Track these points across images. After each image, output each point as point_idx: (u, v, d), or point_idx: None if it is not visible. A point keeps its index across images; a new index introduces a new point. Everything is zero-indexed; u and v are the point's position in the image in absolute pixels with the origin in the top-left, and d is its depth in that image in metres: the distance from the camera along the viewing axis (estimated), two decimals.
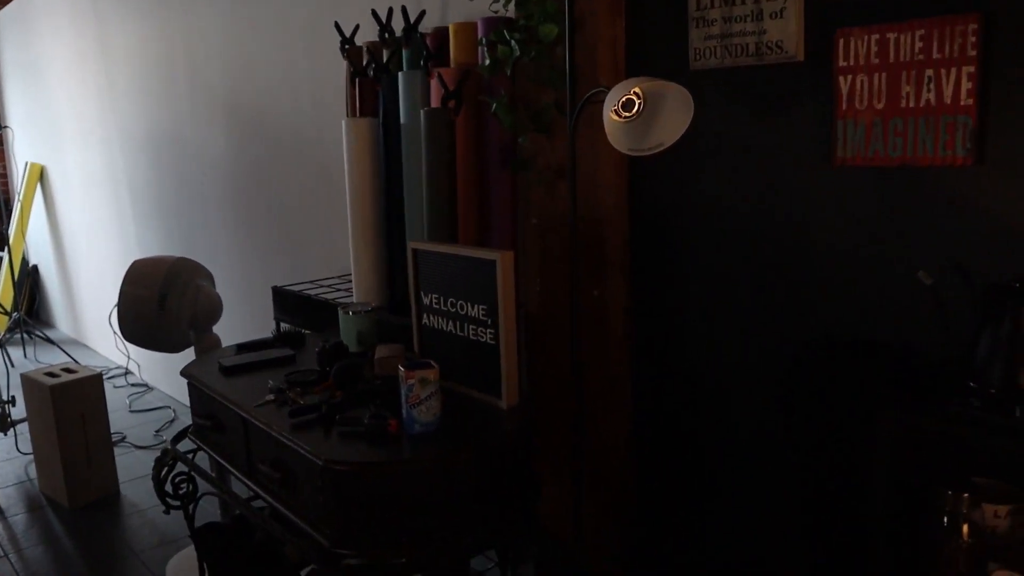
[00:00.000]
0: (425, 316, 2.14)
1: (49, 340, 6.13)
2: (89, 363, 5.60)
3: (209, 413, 2.26)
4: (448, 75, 2.31)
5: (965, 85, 1.69)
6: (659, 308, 2.30)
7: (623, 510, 2.43)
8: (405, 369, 1.82)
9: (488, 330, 1.95)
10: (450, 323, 2.06)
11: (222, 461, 2.21)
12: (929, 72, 1.73)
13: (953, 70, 1.70)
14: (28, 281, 7.04)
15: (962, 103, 1.70)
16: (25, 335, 6.33)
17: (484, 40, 2.30)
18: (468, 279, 1.97)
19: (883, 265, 1.87)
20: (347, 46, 2.75)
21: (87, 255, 6.16)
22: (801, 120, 1.95)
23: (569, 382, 2.21)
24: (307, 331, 2.74)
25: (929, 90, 1.74)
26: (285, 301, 2.95)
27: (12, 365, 5.35)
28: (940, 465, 1.78)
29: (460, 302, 2.01)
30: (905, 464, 1.69)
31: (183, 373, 2.35)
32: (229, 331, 3.81)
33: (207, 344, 3.03)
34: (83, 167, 5.95)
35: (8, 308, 6.41)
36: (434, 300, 2.09)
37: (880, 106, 1.81)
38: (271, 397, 2.07)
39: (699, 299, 2.21)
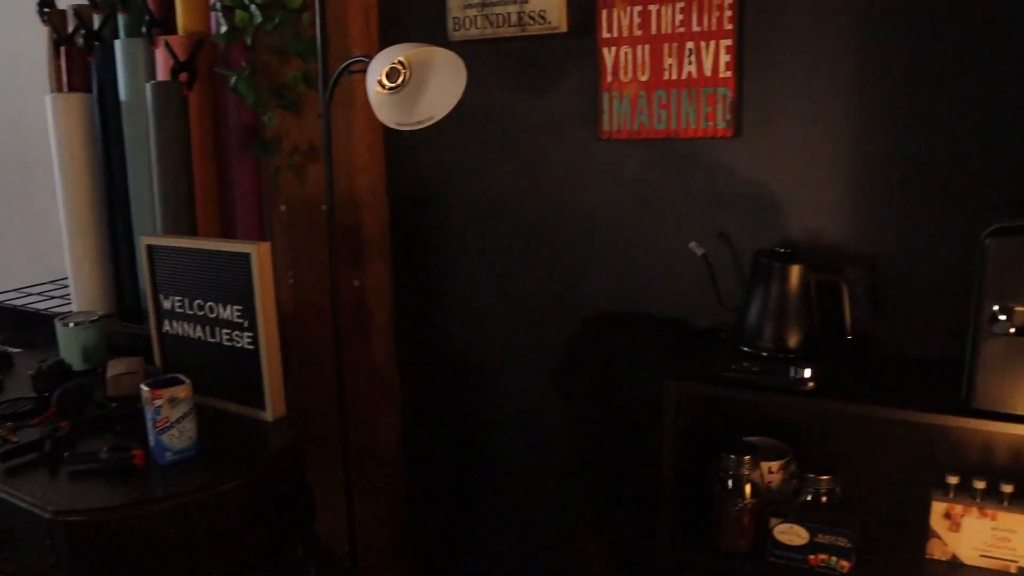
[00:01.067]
0: (167, 322, 1.84)
1: None
2: None
3: None
4: (178, 44, 2.01)
5: (724, 58, 1.72)
6: (423, 293, 2.18)
7: (397, 511, 2.29)
8: (149, 388, 1.54)
9: (245, 334, 1.71)
10: (199, 328, 1.79)
11: None
12: (690, 45, 1.74)
13: (712, 43, 1.72)
14: None
15: (721, 76, 1.73)
16: None
17: (219, 5, 2.02)
18: (218, 277, 1.71)
19: (656, 237, 1.87)
20: (47, 9, 2.32)
21: None
22: (567, 93, 1.90)
23: (333, 383, 2.02)
24: (15, 350, 2.29)
25: (691, 63, 1.75)
26: None
27: None
28: (722, 429, 1.83)
29: (209, 303, 1.75)
30: (690, 431, 1.71)
31: None
32: None
33: None
34: None
35: None
36: (176, 303, 1.81)
37: (644, 78, 1.80)
38: None
39: (466, 281, 2.11)
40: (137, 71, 2.09)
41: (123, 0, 2.14)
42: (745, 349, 1.65)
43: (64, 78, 2.25)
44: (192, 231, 2.09)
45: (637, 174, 1.86)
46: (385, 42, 2.06)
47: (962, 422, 1.44)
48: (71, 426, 1.69)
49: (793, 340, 1.63)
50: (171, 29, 2.13)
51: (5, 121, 2.87)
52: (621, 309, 1.94)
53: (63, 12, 2.31)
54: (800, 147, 1.71)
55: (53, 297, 2.48)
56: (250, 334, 1.70)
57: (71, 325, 1.99)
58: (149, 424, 1.55)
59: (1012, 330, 1.38)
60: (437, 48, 1.61)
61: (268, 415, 1.73)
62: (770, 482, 1.75)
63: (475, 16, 1.92)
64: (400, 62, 1.60)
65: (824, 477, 1.70)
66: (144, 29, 2.08)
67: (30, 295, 2.52)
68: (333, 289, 1.93)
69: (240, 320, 1.71)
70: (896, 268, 1.69)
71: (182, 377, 1.57)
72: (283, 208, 2.17)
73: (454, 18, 1.95)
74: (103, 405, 1.79)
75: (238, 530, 1.57)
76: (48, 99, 2.15)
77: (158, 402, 1.53)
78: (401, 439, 2.28)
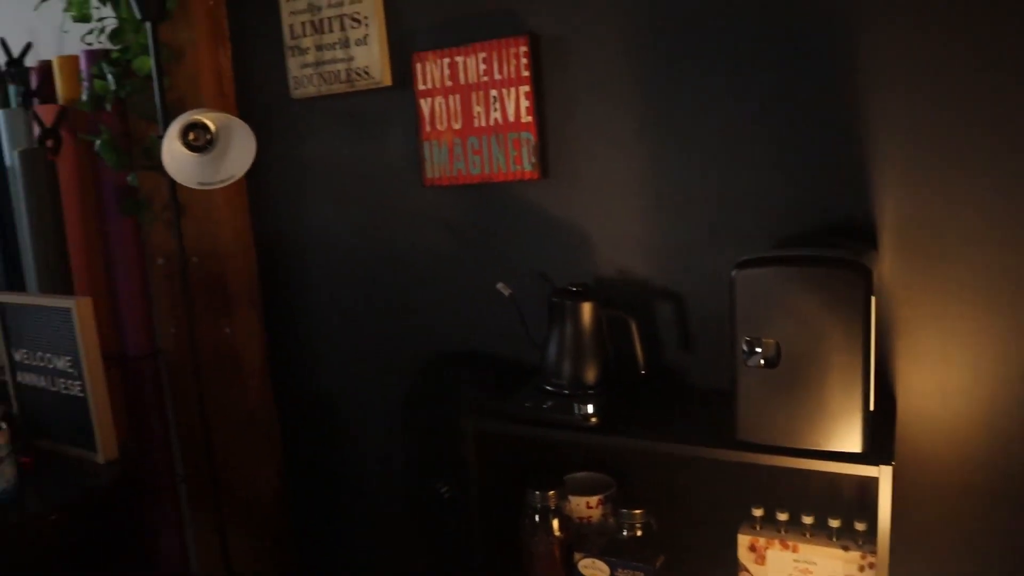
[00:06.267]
0: (19, 374, 1.96)
1: None
2: None
3: None
4: (44, 112, 2.16)
5: (524, 103, 1.79)
6: (293, 338, 2.26)
7: (280, 544, 2.35)
8: None
9: (75, 382, 1.81)
10: (41, 378, 1.90)
11: None
12: (494, 93, 1.82)
13: (513, 90, 1.79)
14: None
15: (523, 121, 1.79)
16: None
17: (83, 75, 2.17)
18: (51, 330, 1.82)
19: (476, 278, 1.93)
20: None
21: None
22: (394, 143, 1.98)
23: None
24: None
25: (496, 109, 1.82)
26: None
27: None
28: (542, 464, 1.86)
29: (47, 355, 1.86)
30: (502, 465, 1.75)
31: None
32: None
33: None
34: None
35: None
36: (25, 356, 1.92)
37: (458, 126, 1.87)
38: None
39: (326, 324, 2.19)
40: (18, 138, 2.23)
41: (10, 72, 2.30)
42: (547, 387, 1.70)
43: None
44: (67, 287, 2.21)
45: (458, 218, 1.93)
46: (240, 103, 2.18)
47: (728, 455, 1.45)
48: None
49: (589, 376, 1.67)
50: (53, 98, 2.29)
51: None
52: (457, 349, 2.00)
53: None
54: (604, 187, 1.76)
55: None
56: (79, 383, 1.80)
57: None
58: None
59: (762, 362, 1.40)
60: (230, 116, 1.71)
61: (100, 457, 1.82)
62: (589, 517, 1.77)
63: (311, 75, 2.03)
64: (205, 125, 1.71)
65: (636, 511, 1.71)
66: (22, 99, 2.23)
67: None
68: (190, 337, 2.03)
69: (71, 370, 1.81)
70: (702, 302, 1.72)
71: (1, 423, 1.67)
72: (160, 262, 2.28)
73: (293, 77, 2.05)
74: None
75: (54, 564, 1.66)
76: None
77: None
78: (282, 475, 2.35)
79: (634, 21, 1.67)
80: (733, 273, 1.41)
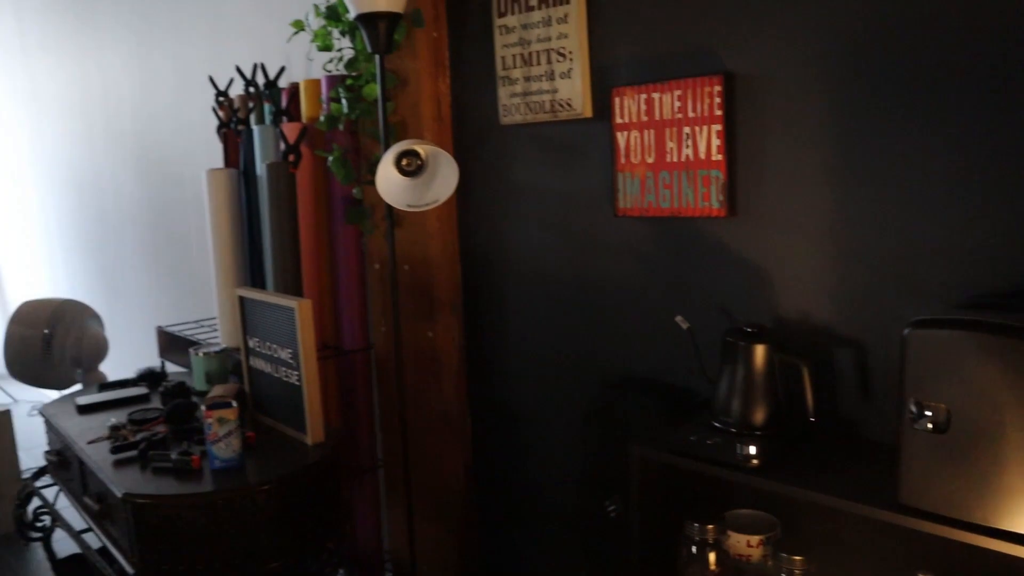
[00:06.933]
0: (251, 358, 2.26)
1: None
2: (24, 398, 5.72)
3: (58, 449, 2.38)
4: (288, 129, 2.45)
5: (715, 142, 1.82)
6: (488, 346, 2.42)
7: (462, 534, 2.53)
8: (205, 408, 1.94)
9: (294, 372, 2.06)
10: (268, 365, 2.18)
11: (66, 493, 2.33)
12: (687, 129, 1.86)
13: (705, 128, 1.83)
14: None
15: (714, 158, 1.83)
16: None
17: (323, 97, 2.44)
18: (278, 324, 2.09)
19: (658, 308, 1.99)
20: (220, 98, 2.90)
21: (19, 292, 6.30)
22: (590, 171, 2.08)
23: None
24: (182, 369, 2.86)
25: (688, 146, 1.87)
26: (170, 341, 3.08)
27: None
28: (706, 497, 1.89)
29: (273, 345, 2.13)
30: (665, 492, 1.80)
31: (40, 411, 2.48)
32: (129, 369, 3.94)
33: (92, 382, 3.16)
34: (16, 205, 6.12)
35: None
36: (257, 344, 2.21)
37: (651, 160, 1.94)
38: (105, 434, 2.19)
39: (518, 337, 2.33)
40: (268, 152, 2.56)
41: (267, 92, 2.64)
42: (715, 423, 1.73)
43: (223, 155, 2.80)
44: (297, 286, 2.50)
45: (646, 249, 1.99)
46: (455, 126, 2.36)
47: (887, 516, 1.42)
48: (168, 432, 2.14)
49: (757, 417, 1.68)
50: (299, 117, 2.60)
51: (190, 192, 3.54)
52: (634, 373, 2.06)
53: (231, 101, 2.87)
54: (790, 228, 1.76)
55: (216, 330, 3.03)
56: (297, 373, 2.05)
57: (199, 354, 2.47)
58: (205, 436, 1.95)
59: (930, 426, 1.36)
60: (436, 147, 1.88)
61: (308, 439, 2.07)
62: (749, 556, 1.78)
63: (519, 103, 2.17)
64: (417, 153, 1.89)
65: (798, 558, 1.70)
66: (273, 116, 2.55)
67: (202, 327, 3.09)
68: (397, 337, 2.24)
69: (291, 361, 2.07)
70: (882, 353, 1.67)
71: (232, 402, 1.95)
72: (376, 267, 2.53)
73: (503, 105, 2.21)
74: (200, 419, 2.23)
75: (268, 528, 1.92)
76: (205, 173, 2.69)
77: (209, 420, 1.92)
78: (469, 471, 2.53)
79: (833, 63, 1.65)
80: (907, 332, 1.38)
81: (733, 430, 1.68)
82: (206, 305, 3.57)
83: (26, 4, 5.29)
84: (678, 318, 1.86)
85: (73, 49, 4.69)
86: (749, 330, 1.70)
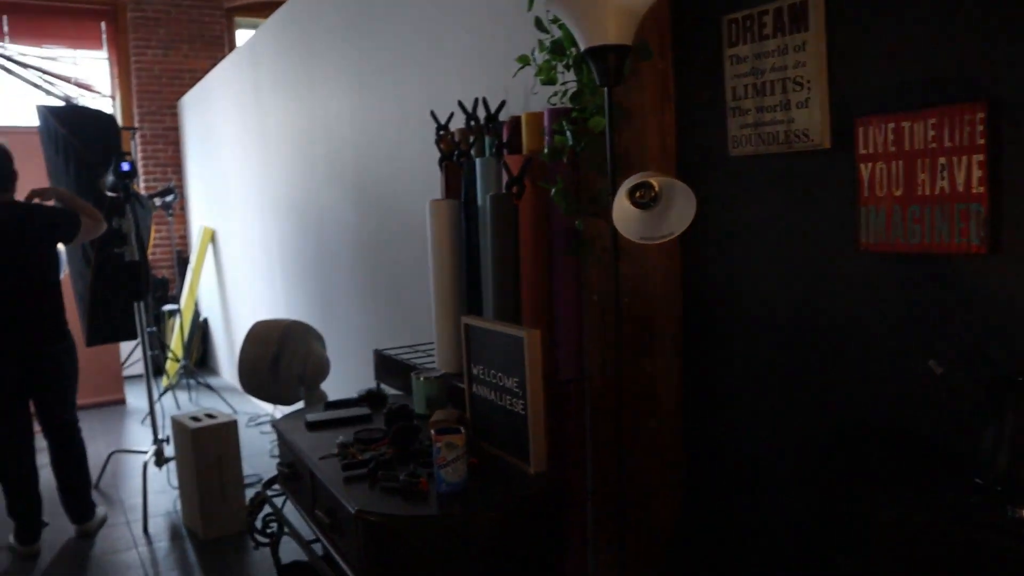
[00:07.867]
0: (474, 385, 2.31)
1: (209, 387, 6.84)
2: (243, 410, 6.17)
3: (289, 462, 2.53)
4: (512, 161, 2.51)
5: (976, 173, 1.69)
6: (710, 384, 2.36)
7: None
8: (434, 433, 1.99)
9: (519, 401, 2.09)
10: (492, 392, 2.22)
11: (295, 504, 2.47)
12: (942, 160, 1.74)
13: (964, 158, 1.71)
14: (199, 333, 7.88)
15: (974, 191, 1.70)
16: (191, 381, 7.06)
17: (546, 130, 2.49)
18: (504, 353, 2.13)
19: (903, 351, 1.86)
20: (441, 132, 3.03)
21: (246, 311, 6.83)
22: (828, 206, 1.98)
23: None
24: (397, 392, 2.98)
25: (943, 178, 1.75)
26: (386, 364, 3.22)
27: (178, 408, 6.00)
28: (937, 560, 1.73)
29: (498, 374, 2.17)
30: (904, 554, 1.66)
31: (273, 425, 2.65)
32: (343, 388, 4.15)
33: (314, 399, 3.35)
34: (244, 231, 6.66)
35: (179, 356, 7.18)
36: (481, 371, 2.26)
37: (899, 193, 1.83)
38: (335, 451, 2.31)
39: (743, 376, 2.25)
40: (489, 183, 2.63)
41: (488, 125, 2.72)
42: (977, 481, 1.58)
43: (443, 187, 2.90)
44: (516, 313, 2.55)
45: (891, 287, 1.87)
46: (680, 158, 2.33)
47: None
48: (394, 454, 2.22)
49: None
50: (520, 148, 2.66)
51: (420, 217, 3.68)
52: (873, 421, 1.93)
53: (452, 134, 2.98)
54: None
55: (432, 355, 3.13)
56: (522, 402, 2.08)
57: (421, 378, 2.56)
58: (433, 460, 2.01)
59: None
60: (674, 180, 1.86)
61: (531, 468, 2.08)
62: None
63: (749, 135, 2.11)
64: (650, 185, 1.88)
65: None
66: (494, 149, 2.63)
67: (418, 351, 3.21)
68: (616, 369, 2.22)
69: (517, 389, 2.10)
70: None
71: (460, 428, 2.00)
72: (595, 298, 2.53)
73: (732, 136, 2.16)
74: (423, 442, 2.30)
75: (489, 555, 1.94)
76: (428, 203, 2.80)
77: (438, 445, 1.98)
78: (682, 513, 2.46)
79: None
80: None
81: (998, 488, 1.54)
82: (419, 330, 3.71)
83: (262, 51, 5.79)
84: (931, 362, 1.73)
85: (301, 91, 5.07)
86: (1021, 379, 1.56)
